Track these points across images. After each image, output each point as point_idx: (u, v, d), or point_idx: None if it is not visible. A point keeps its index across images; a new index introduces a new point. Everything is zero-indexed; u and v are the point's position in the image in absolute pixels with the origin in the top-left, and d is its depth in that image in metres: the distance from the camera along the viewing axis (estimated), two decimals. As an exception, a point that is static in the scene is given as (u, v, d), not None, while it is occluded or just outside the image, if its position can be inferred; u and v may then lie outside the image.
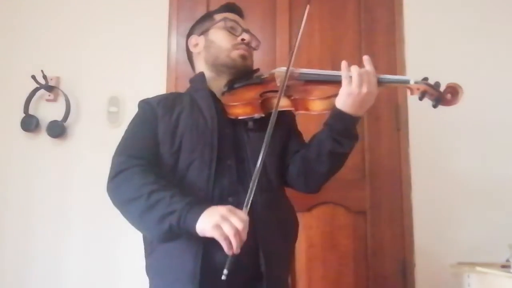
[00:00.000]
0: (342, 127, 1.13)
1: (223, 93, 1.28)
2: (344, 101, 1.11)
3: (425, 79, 1.12)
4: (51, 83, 2.05)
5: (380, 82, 1.13)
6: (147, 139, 1.19)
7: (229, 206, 1.00)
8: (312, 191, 1.29)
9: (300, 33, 1.21)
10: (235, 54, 1.28)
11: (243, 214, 0.99)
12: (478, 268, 1.59)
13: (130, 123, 1.26)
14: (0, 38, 2.14)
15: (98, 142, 2.03)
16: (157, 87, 2.05)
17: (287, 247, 1.25)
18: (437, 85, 1.11)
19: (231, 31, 1.30)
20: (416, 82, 1.11)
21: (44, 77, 2.03)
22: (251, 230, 1.08)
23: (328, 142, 1.15)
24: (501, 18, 2.13)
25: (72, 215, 1.99)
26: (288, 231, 1.25)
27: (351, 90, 1.09)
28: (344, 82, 1.11)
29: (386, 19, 2.15)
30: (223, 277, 0.93)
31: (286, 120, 1.30)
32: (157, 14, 2.14)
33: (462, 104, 2.00)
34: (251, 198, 1.01)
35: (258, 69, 1.34)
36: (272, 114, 1.10)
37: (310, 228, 1.98)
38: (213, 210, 1.00)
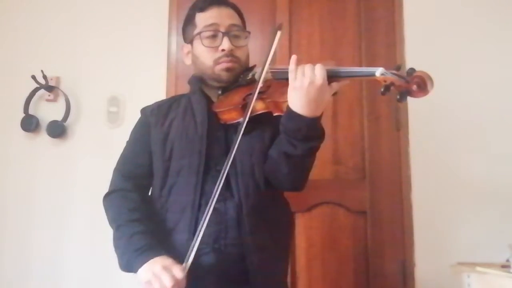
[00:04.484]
0: (294, 128, 1.05)
1: (218, 97, 1.27)
2: (291, 98, 1.04)
3: (397, 68, 0.99)
4: (51, 83, 2.05)
5: (334, 76, 1.03)
6: (139, 155, 1.26)
7: (169, 262, 1.03)
8: (290, 190, 1.24)
9: (270, 57, 1.13)
10: (218, 69, 1.23)
11: (179, 271, 1.01)
12: (478, 268, 1.59)
13: (130, 133, 1.32)
14: (0, 38, 2.14)
15: (98, 142, 2.03)
16: (157, 87, 2.05)
17: (279, 249, 1.23)
18: (409, 73, 0.97)
19: (209, 45, 1.22)
20: (383, 74, 0.97)
21: (44, 77, 2.03)
22: (239, 235, 1.12)
23: (283, 143, 1.10)
24: (501, 18, 2.12)
25: (72, 215, 1.99)
26: (280, 233, 1.24)
27: (294, 84, 1.02)
28: (290, 76, 1.03)
29: (386, 19, 2.15)
30: None
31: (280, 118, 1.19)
32: (157, 14, 2.14)
33: (463, 104, 2.02)
34: (193, 253, 1.03)
35: (254, 66, 1.29)
36: (243, 119, 1.09)
37: (310, 228, 1.98)
38: (151, 265, 1.04)
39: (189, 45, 1.30)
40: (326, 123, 2.10)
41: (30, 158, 2.04)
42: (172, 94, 2.02)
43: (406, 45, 2.10)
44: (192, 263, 1.05)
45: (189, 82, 1.34)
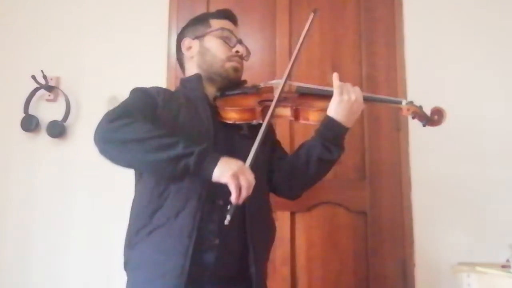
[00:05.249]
0: (332, 135, 1.23)
1: (214, 98, 1.30)
2: (335, 109, 1.22)
3: (410, 103, 1.28)
4: (51, 83, 2.05)
5: (367, 100, 1.27)
6: (146, 108, 1.18)
7: (241, 163, 1.07)
8: (292, 197, 1.37)
9: (301, 40, 1.32)
10: (229, 65, 1.30)
11: (251, 172, 1.07)
12: (478, 268, 1.59)
13: (129, 97, 1.23)
14: (0, 38, 2.14)
15: (98, 142, 2.03)
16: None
17: (268, 250, 1.30)
18: (421, 107, 1.28)
19: (227, 41, 1.32)
20: (407, 104, 1.26)
21: (44, 77, 2.03)
22: (242, 233, 1.16)
23: (318, 148, 1.24)
24: (501, 18, 2.12)
25: (72, 214, 1.99)
26: (271, 236, 1.31)
27: (342, 98, 1.21)
28: (336, 91, 1.22)
29: (386, 19, 2.15)
30: (226, 223, 1.02)
31: (271, 130, 1.41)
32: (157, 14, 2.14)
33: (462, 104, 2.02)
34: (253, 158, 1.09)
35: (245, 81, 1.38)
36: (265, 121, 1.17)
37: (310, 228, 1.98)
38: (230, 161, 1.06)
39: (194, 41, 1.34)
40: (326, 123, 2.09)
41: (30, 158, 2.04)
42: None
43: (406, 45, 2.10)
44: (193, 255, 1.08)
45: (187, 80, 1.35)
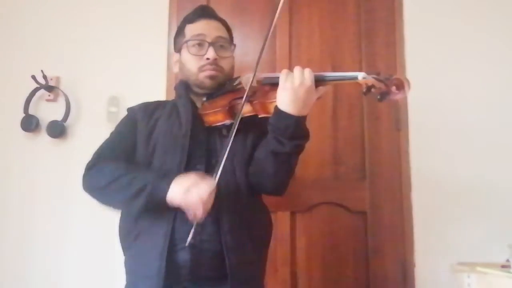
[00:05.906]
0: (282, 126, 1.12)
1: (202, 103, 1.32)
2: (281, 98, 1.11)
3: (377, 73, 1.10)
4: (51, 83, 2.05)
5: (321, 80, 1.13)
6: (124, 142, 1.30)
7: (196, 175, 1.09)
8: (272, 193, 1.29)
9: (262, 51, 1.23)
10: (202, 76, 1.29)
11: (210, 181, 1.08)
12: (478, 268, 1.59)
13: (116, 127, 1.36)
14: (0, 38, 2.14)
15: (98, 142, 2.01)
16: (157, 87, 2.05)
17: (256, 249, 1.27)
18: (386, 78, 1.08)
19: (196, 53, 1.30)
20: (364, 77, 1.08)
21: (44, 77, 2.03)
22: (216, 232, 1.16)
23: (271, 141, 1.16)
24: (502, 18, 2.12)
25: (72, 215, 1.99)
26: (258, 234, 1.28)
27: (285, 85, 1.10)
28: (280, 79, 1.12)
29: (386, 19, 2.15)
30: (187, 244, 1.06)
31: (263, 124, 1.26)
32: (157, 14, 2.14)
33: (463, 104, 2.02)
34: (220, 168, 1.10)
35: (238, 77, 1.34)
36: (235, 121, 1.14)
37: (310, 228, 1.98)
38: (184, 178, 1.10)
39: (177, 54, 1.37)
40: (326, 123, 2.12)
41: (30, 158, 2.04)
42: (172, 94, 2.02)
43: (406, 45, 2.10)
44: (168, 256, 1.13)
45: (175, 88, 1.39)
